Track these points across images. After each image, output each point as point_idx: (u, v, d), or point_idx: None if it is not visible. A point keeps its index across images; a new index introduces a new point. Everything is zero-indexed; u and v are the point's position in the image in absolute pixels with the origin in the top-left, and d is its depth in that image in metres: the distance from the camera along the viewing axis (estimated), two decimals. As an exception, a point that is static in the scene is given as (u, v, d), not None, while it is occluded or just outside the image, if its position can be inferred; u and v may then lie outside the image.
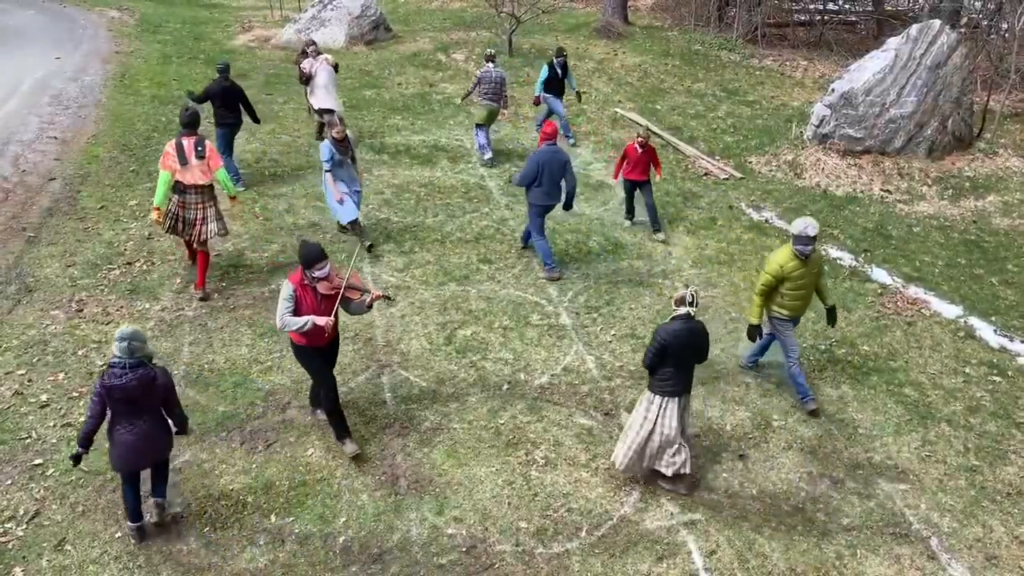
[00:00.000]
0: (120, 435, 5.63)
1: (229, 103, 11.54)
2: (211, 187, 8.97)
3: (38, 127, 13.94)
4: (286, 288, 6.29)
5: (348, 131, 9.99)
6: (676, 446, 6.38)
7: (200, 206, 8.90)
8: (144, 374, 5.55)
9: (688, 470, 6.46)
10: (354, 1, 20.86)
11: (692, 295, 6.20)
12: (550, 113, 14.23)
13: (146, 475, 6.06)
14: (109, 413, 5.58)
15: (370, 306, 6.57)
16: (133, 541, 5.93)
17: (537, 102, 14.26)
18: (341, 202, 9.93)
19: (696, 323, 6.25)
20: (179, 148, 8.71)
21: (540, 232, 9.75)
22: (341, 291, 6.42)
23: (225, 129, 11.60)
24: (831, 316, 7.76)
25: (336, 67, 12.95)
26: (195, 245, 9.11)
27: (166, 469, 6.11)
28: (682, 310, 6.20)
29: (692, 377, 6.40)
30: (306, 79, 12.73)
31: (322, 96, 12.71)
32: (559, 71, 13.84)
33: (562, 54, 13.91)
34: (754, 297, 7.49)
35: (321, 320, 6.30)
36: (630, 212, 11.28)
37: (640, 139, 10.62)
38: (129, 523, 5.93)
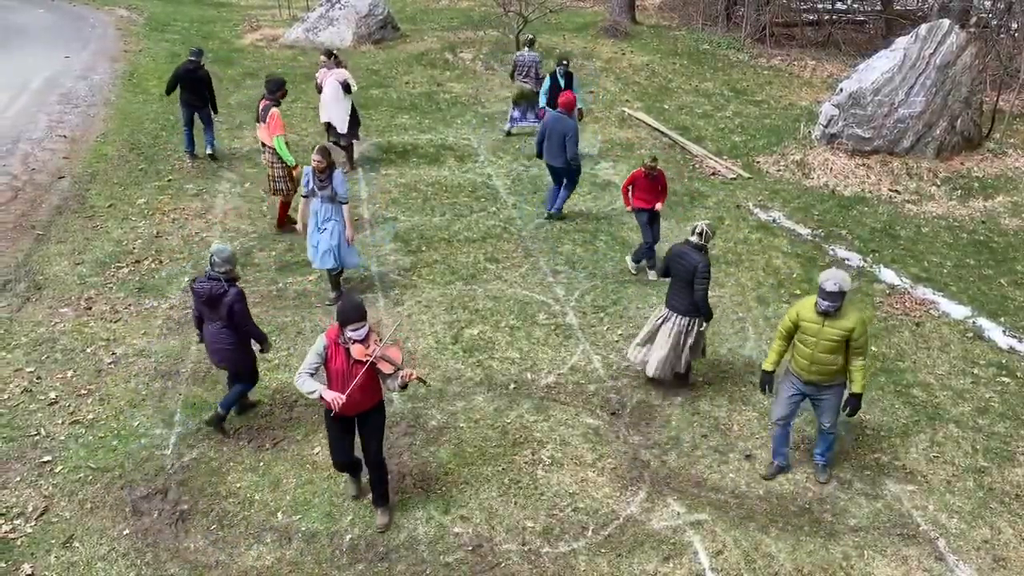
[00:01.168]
0: (204, 331, 6.82)
1: (195, 88, 12.21)
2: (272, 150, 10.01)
3: (47, 125, 14.00)
4: (319, 342, 5.66)
5: (338, 171, 8.61)
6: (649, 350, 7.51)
7: (270, 164, 10.19)
8: (213, 286, 6.51)
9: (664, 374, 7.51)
10: (362, 0, 20.89)
11: (703, 228, 7.12)
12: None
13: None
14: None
15: (404, 386, 5.74)
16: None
17: (541, 116, 12.89)
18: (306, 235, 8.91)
19: (688, 250, 7.13)
20: (257, 108, 10.14)
21: (556, 184, 11.08)
22: (369, 361, 5.62)
23: (187, 109, 12.38)
24: (849, 404, 6.44)
25: (346, 87, 11.95)
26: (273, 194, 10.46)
27: (237, 383, 6.99)
28: (691, 237, 7.15)
29: (685, 300, 7.24)
30: (318, 89, 12.33)
31: (324, 111, 12.20)
32: (561, 81, 12.90)
33: (564, 61, 13.08)
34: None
35: (329, 395, 5.56)
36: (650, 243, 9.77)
37: (650, 164, 9.39)
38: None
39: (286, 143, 10.08)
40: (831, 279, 6.04)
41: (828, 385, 6.37)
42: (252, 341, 6.91)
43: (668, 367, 7.50)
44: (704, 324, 7.49)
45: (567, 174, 10.89)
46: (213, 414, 6.94)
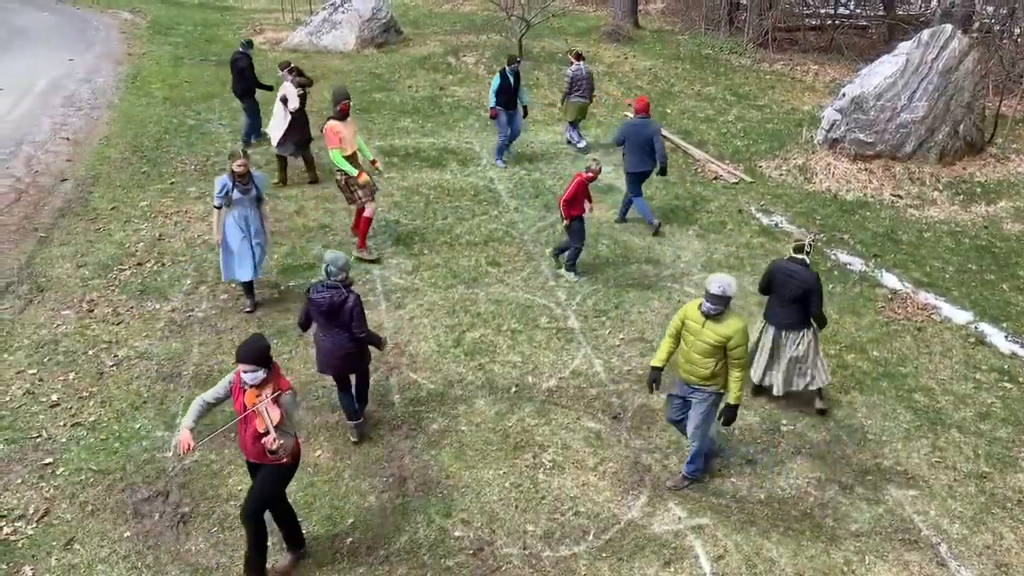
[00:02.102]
0: (319, 341, 6.71)
1: (234, 75, 13.06)
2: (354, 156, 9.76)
3: (51, 128, 14.04)
4: (229, 375, 5.32)
5: (254, 169, 8.51)
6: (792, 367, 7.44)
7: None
8: (334, 295, 6.44)
9: (813, 386, 7.49)
10: (365, 4, 20.93)
11: (807, 244, 7.23)
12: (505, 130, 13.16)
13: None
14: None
15: (273, 451, 5.14)
16: (353, 438, 6.98)
17: (494, 115, 12.93)
18: (222, 247, 8.54)
19: (797, 267, 7.11)
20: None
21: (637, 192, 11.01)
22: (245, 413, 5.18)
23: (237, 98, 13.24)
24: (724, 413, 6.35)
25: (285, 101, 11.54)
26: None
27: (362, 384, 7.09)
28: (798, 256, 7.16)
29: (794, 316, 7.24)
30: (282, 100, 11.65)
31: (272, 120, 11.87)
32: (511, 79, 12.77)
33: (515, 61, 13.00)
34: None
35: (182, 436, 5.13)
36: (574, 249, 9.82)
37: (593, 171, 9.43)
38: (348, 422, 7.01)
39: (344, 156, 9.52)
40: (717, 282, 5.95)
41: (699, 389, 6.31)
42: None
43: (792, 382, 7.51)
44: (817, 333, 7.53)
45: (641, 179, 10.98)
46: (356, 426, 7.01)
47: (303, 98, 11.79)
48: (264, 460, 5.32)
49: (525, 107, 13.46)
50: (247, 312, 8.84)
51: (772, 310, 7.39)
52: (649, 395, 7.19)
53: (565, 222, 9.51)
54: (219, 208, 8.34)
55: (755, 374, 7.59)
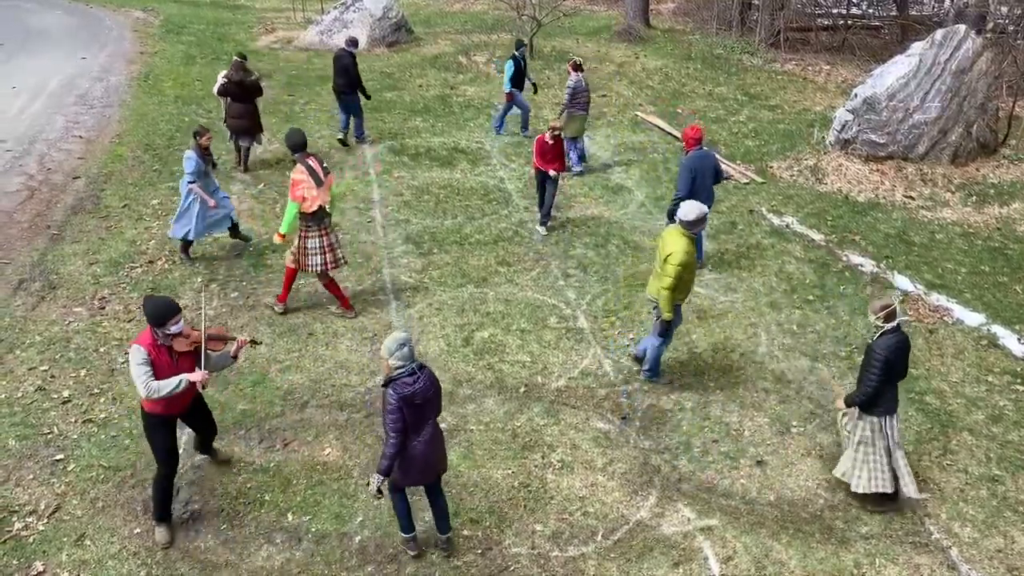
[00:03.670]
0: (415, 448, 5.37)
1: (337, 73, 12.98)
2: None
3: (63, 126, 14.11)
4: (137, 353, 5.45)
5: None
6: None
7: (330, 227, 8.44)
8: (430, 372, 5.38)
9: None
10: (376, 3, 20.96)
11: (899, 306, 6.01)
12: (510, 108, 14.53)
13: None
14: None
15: (235, 356, 5.91)
16: (411, 552, 5.90)
17: (509, 98, 14.24)
18: (215, 209, 9.50)
19: (901, 335, 6.10)
20: (311, 171, 8.01)
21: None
22: (202, 344, 5.67)
23: (336, 96, 13.32)
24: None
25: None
26: (331, 271, 8.48)
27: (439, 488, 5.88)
28: (891, 324, 6.04)
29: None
30: (259, 94, 12.37)
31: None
32: (523, 63, 14.09)
33: (522, 45, 14.39)
34: (666, 293, 7.19)
35: (196, 376, 5.57)
36: (542, 203, 10.93)
37: (553, 126, 10.43)
38: (404, 534, 5.91)
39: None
40: (699, 209, 7.09)
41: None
42: None
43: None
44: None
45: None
46: (447, 539, 5.98)
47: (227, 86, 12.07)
48: (192, 397, 5.89)
49: (534, 84, 14.99)
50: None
51: (890, 394, 6.22)
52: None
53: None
54: (193, 183, 9.30)
55: (911, 485, 6.37)
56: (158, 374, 5.49)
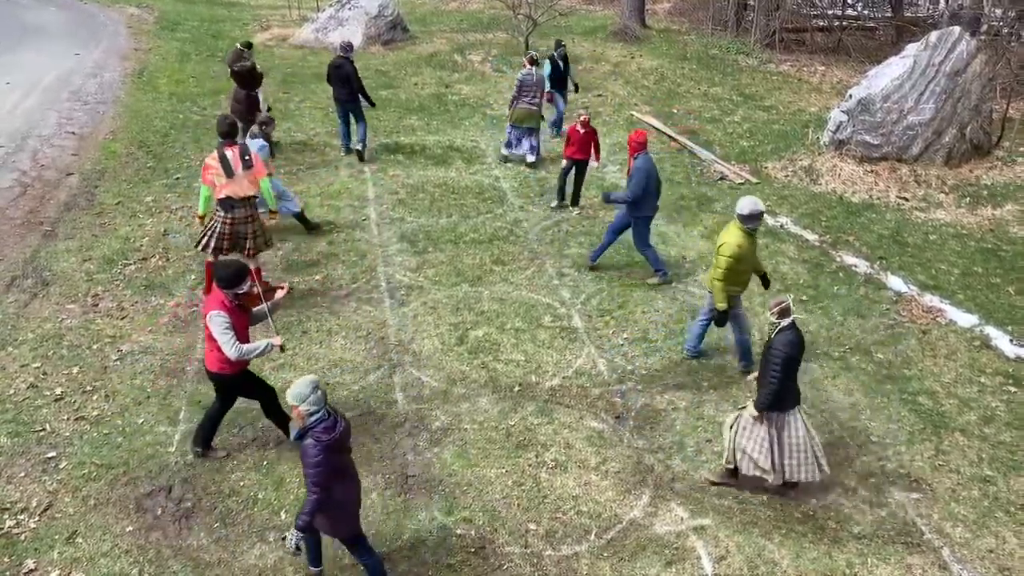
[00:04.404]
0: (341, 494, 5.00)
1: (341, 83, 12.49)
2: (254, 198, 8.51)
3: (57, 122, 14.06)
4: (220, 318, 5.94)
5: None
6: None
7: (250, 219, 8.45)
8: (342, 413, 5.04)
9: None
10: (372, 1, 20.94)
11: (791, 303, 6.15)
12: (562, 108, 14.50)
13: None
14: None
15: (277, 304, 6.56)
16: None
17: (550, 99, 14.09)
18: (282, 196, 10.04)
19: (795, 334, 6.14)
20: (223, 159, 8.14)
21: (647, 242, 9.72)
22: (263, 298, 6.33)
23: (339, 105, 12.76)
24: (766, 280, 8.17)
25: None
26: (248, 260, 8.30)
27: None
28: (787, 320, 6.11)
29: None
30: (258, 83, 12.58)
31: (262, 99, 13.00)
32: (561, 64, 13.99)
33: (561, 45, 14.13)
34: (717, 284, 7.56)
35: (277, 340, 6.20)
36: (560, 194, 11.73)
37: (583, 118, 11.16)
38: (312, 568, 5.67)
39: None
40: (759, 202, 7.44)
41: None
42: None
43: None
44: None
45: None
46: None
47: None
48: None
49: (576, 84, 14.88)
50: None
51: (791, 391, 6.31)
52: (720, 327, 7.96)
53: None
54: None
55: (807, 472, 6.45)
56: (238, 332, 6.03)
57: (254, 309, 6.36)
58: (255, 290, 6.22)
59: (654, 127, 15.52)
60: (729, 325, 8.03)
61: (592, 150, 11.44)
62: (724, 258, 7.44)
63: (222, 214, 8.32)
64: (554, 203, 11.75)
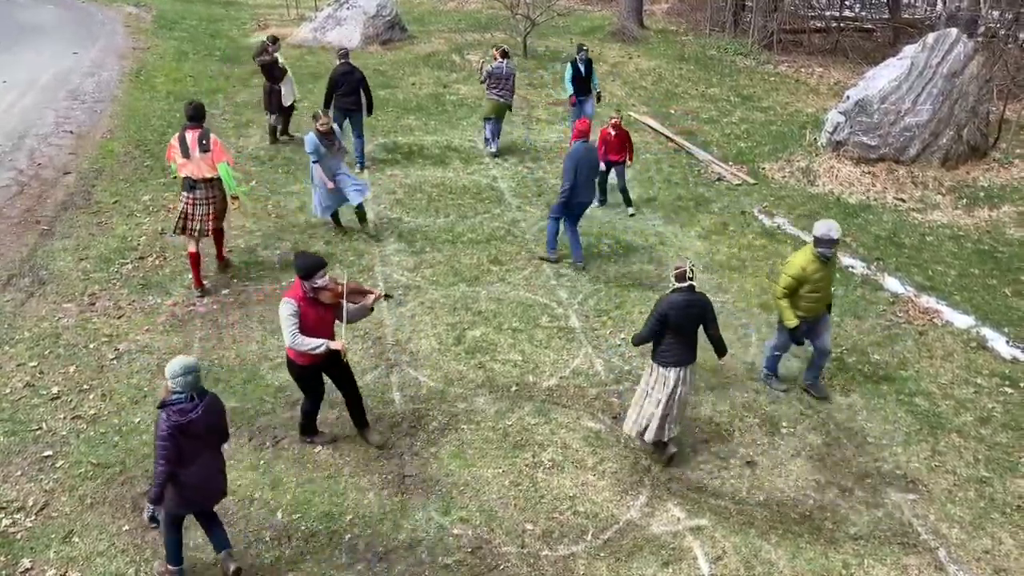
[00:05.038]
0: (188, 476, 5.17)
1: (354, 90, 12.29)
2: (219, 180, 8.86)
3: (54, 121, 14.04)
4: (288, 306, 6.06)
5: (334, 124, 10.05)
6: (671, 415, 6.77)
7: (211, 200, 8.90)
8: (211, 402, 5.19)
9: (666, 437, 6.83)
10: (370, 1, 20.93)
11: (691, 269, 6.56)
12: (579, 113, 13.81)
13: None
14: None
15: (371, 308, 6.54)
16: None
17: (574, 102, 13.61)
18: (333, 191, 10.01)
19: (696, 296, 6.59)
20: (182, 141, 8.66)
21: (556, 220, 10.04)
22: (344, 298, 6.25)
23: (341, 113, 12.30)
24: (829, 309, 7.81)
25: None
26: (197, 236, 8.89)
27: (216, 522, 5.67)
28: (680, 284, 6.54)
29: (693, 349, 6.70)
30: (282, 74, 13.09)
31: (291, 91, 13.39)
32: (583, 68, 13.38)
33: (583, 49, 13.52)
34: (779, 302, 7.41)
35: (337, 344, 6.18)
36: (602, 194, 11.76)
37: (614, 121, 11.29)
38: (171, 566, 5.56)
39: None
40: (832, 228, 7.12)
41: (826, 313, 7.67)
42: None
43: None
44: None
45: (583, 211, 10.16)
46: (236, 564, 5.59)
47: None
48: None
49: (599, 94, 14.09)
50: (371, 236, 10.28)
51: (671, 350, 6.59)
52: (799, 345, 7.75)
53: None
54: (316, 163, 9.84)
55: (653, 432, 6.73)
56: (305, 324, 6.09)
57: (353, 306, 6.37)
58: (338, 288, 6.21)
59: (651, 128, 15.53)
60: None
61: (626, 151, 11.46)
62: (783, 275, 7.32)
63: (185, 194, 8.87)
64: (595, 203, 11.46)
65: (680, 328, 6.50)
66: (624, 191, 11.63)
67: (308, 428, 6.93)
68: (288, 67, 13.32)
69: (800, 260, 7.25)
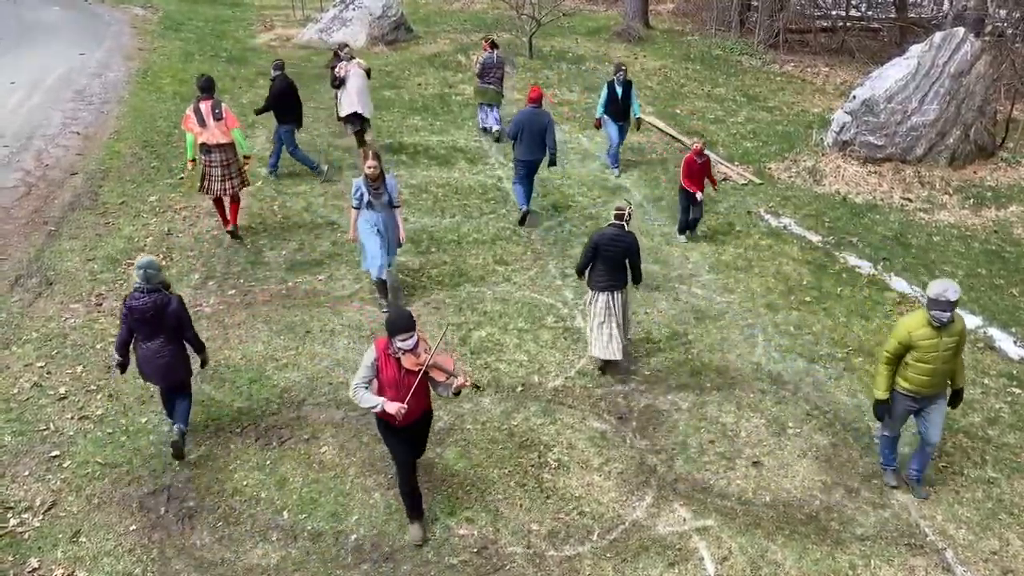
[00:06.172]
0: (140, 350, 6.44)
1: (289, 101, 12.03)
2: (232, 145, 9.86)
3: (61, 122, 14.08)
4: (369, 354, 5.64)
5: (389, 175, 8.70)
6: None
7: (225, 163, 9.80)
8: (158, 299, 6.27)
9: (618, 356, 7.85)
10: (375, 1, 20.95)
11: (628, 213, 7.68)
12: (620, 140, 13.14)
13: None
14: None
15: (457, 393, 5.76)
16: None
17: (598, 125, 13.18)
18: (356, 241, 8.95)
19: (624, 232, 7.60)
20: (197, 112, 9.63)
21: (520, 180, 11.04)
22: (423, 370, 5.61)
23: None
24: (955, 398, 6.59)
25: (368, 72, 12.96)
26: (225, 198, 10.04)
27: (185, 396, 6.72)
28: (616, 221, 7.64)
29: (623, 277, 7.75)
30: (338, 83, 12.72)
31: (352, 101, 12.55)
32: (619, 90, 12.66)
33: (621, 69, 12.74)
34: (879, 367, 6.43)
35: (392, 407, 5.53)
36: (683, 229, 10.96)
37: (696, 147, 10.65)
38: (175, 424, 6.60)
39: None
40: (949, 288, 6.01)
41: (941, 394, 6.49)
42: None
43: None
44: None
45: (531, 169, 10.99)
46: (179, 437, 6.49)
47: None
48: (419, 415, 5.90)
49: (639, 119, 13.36)
50: (383, 311, 8.70)
51: (602, 276, 7.72)
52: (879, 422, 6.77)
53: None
54: (356, 208, 8.56)
55: (599, 349, 7.87)
56: (380, 378, 5.62)
57: (436, 381, 5.74)
58: (421, 357, 5.60)
59: (657, 128, 15.51)
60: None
61: (708, 179, 10.81)
62: (889, 338, 6.31)
63: (203, 157, 9.80)
64: (682, 239, 10.91)
65: (607, 258, 7.61)
66: (696, 223, 10.85)
67: (411, 506, 6.11)
68: (348, 76, 12.51)
69: (910, 322, 6.21)
